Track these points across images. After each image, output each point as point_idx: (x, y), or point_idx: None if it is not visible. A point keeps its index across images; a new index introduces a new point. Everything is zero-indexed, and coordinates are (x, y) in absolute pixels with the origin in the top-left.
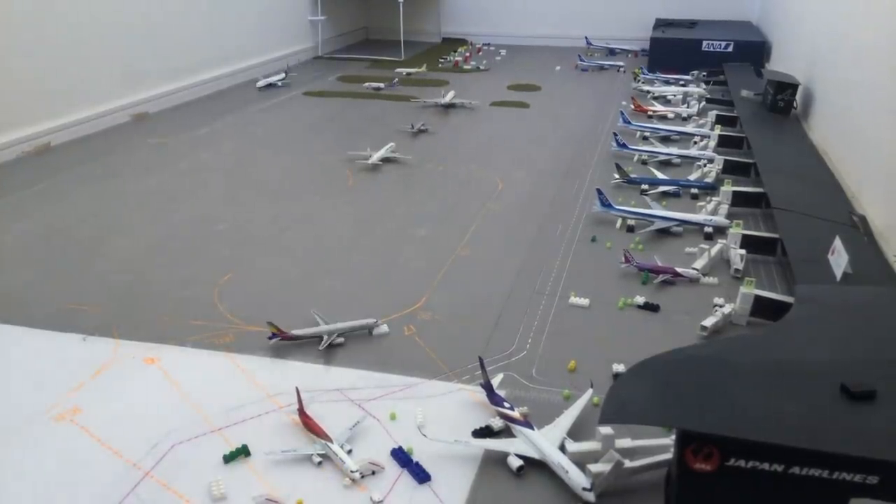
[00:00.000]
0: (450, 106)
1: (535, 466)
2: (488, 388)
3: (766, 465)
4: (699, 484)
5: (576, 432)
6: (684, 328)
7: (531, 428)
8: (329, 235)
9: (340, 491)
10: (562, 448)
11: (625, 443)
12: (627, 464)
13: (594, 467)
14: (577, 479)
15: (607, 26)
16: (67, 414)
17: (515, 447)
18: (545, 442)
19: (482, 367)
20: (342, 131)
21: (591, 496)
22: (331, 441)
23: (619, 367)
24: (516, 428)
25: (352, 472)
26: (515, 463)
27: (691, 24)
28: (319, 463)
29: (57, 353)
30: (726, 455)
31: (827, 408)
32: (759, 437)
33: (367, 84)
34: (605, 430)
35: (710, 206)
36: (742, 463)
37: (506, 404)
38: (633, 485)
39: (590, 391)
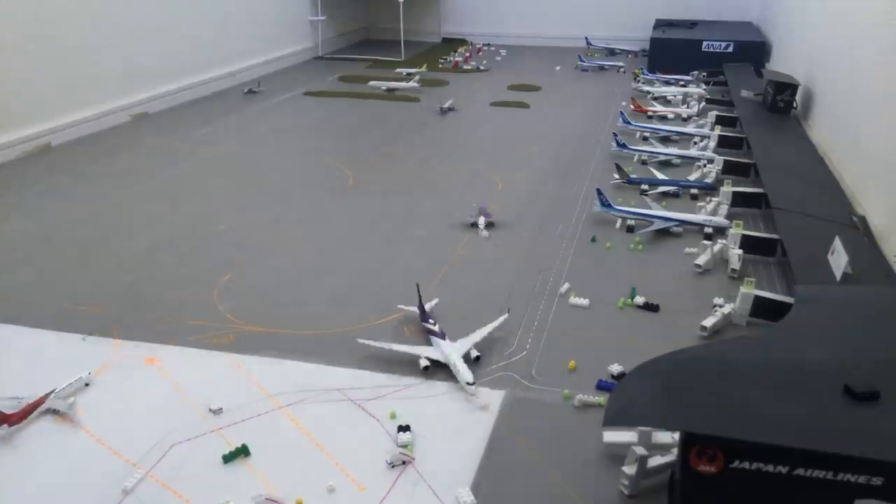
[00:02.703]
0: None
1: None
2: (421, 309)
3: (770, 467)
4: (703, 486)
5: (483, 346)
6: (684, 328)
7: (443, 338)
8: (329, 235)
9: (340, 491)
10: (467, 356)
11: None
12: (651, 461)
13: (627, 469)
14: (464, 375)
15: (607, 26)
16: (67, 414)
17: (427, 352)
18: (449, 348)
19: (418, 292)
20: (342, 131)
21: (472, 389)
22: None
23: (617, 368)
24: (434, 339)
25: (470, 384)
26: (423, 363)
27: (691, 24)
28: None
29: (57, 353)
30: (731, 457)
31: (831, 409)
32: (764, 438)
33: (373, 83)
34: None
35: (710, 207)
36: (746, 465)
37: (430, 321)
38: (642, 485)
39: (506, 315)
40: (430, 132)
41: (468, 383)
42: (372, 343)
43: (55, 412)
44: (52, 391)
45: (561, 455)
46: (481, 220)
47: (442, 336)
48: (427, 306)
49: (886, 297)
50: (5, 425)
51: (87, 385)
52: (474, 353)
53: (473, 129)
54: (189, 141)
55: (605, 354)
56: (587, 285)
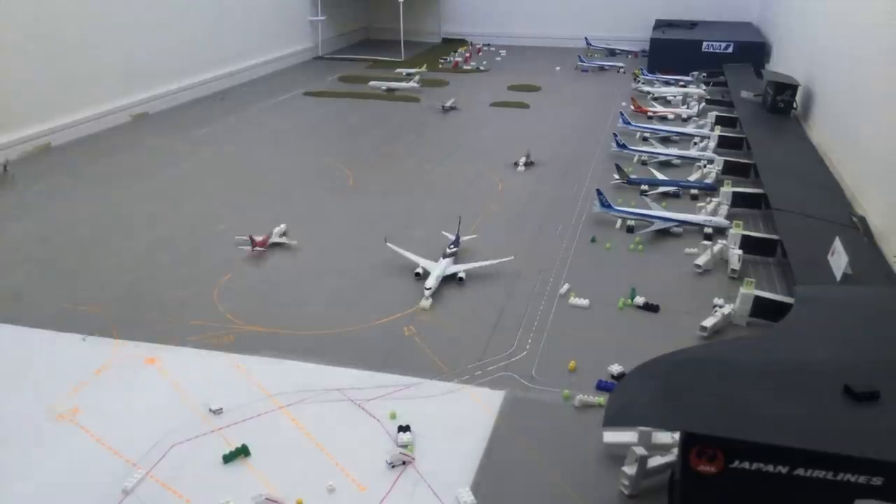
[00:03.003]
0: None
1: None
2: (456, 237)
3: (770, 467)
4: (703, 486)
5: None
6: (684, 328)
7: (443, 257)
8: (329, 235)
9: (340, 491)
10: (453, 275)
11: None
12: (651, 461)
13: (627, 469)
14: (428, 282)
15: (607, 27)
16: (67, 414)
17: (425, 263)
18: (439, 265)
19: (458, 223)
20: (342, 131)
21: (427, 293)
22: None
23: (617, 368)
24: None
25: (427, 288)
26: (417, 270)
27: (691, 24)
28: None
29: (57, 353)
30: (730, 457)
31: (831, 409)
32: (764, 438)
33: (373, 83)
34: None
35: (710, 207)
36: (746, 465)
37: (452, 246)
38: (642, 485)
39: (511, 257)
40: (430, 132)
41: (426, 288)
42: (395, 248)
43: (280, 245)
44: (272, 232)
45: (561, 455)
46: (522, 159)
47: (446, 256)
48: (464, 238)
49: (886, 297)
50: (258, 248)
51: (285, 233)
52: (461, 275)
53: (473, 129)
54: (189, 141)
55: (605, 354)
56: (587, 285)
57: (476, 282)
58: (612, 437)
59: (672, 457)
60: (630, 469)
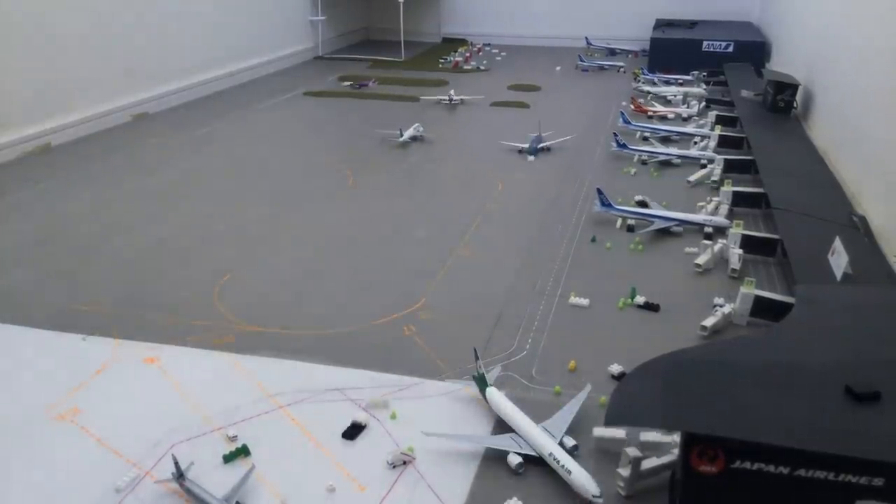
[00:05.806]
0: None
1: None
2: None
3: (771, 468)
4: (704, 486)
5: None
6: (684, 328)
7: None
8: (329, 235)
9: (340, 491)
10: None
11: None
12: (646, 462)
13: (622, 471)
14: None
15: (607, 26)
16: (67, 414)
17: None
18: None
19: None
20: (342, 131)
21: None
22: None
23: (617, 368)
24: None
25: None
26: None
27: (691, 24)
28: None
29: (57, 353)
30: (731, 457)
31: (832, 410)
32: (765, 439)
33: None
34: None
35: (711, 207)
36: (747, 465)
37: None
38: (638, 486)
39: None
40: (431, 132)
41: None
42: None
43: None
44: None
45: None
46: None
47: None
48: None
49: (887, 297)
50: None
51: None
52: (598, 432)
53: (473, 128)
54: (189, 141)
55: (605, 354)
56: (587, 285)
57: (476, 281)
58: (602, 431)
59: (669, 457)
60: (624, 471)
